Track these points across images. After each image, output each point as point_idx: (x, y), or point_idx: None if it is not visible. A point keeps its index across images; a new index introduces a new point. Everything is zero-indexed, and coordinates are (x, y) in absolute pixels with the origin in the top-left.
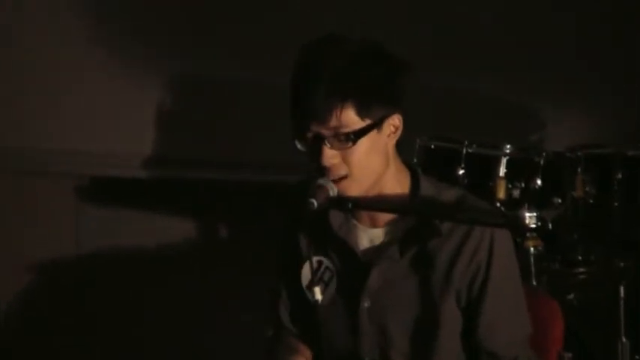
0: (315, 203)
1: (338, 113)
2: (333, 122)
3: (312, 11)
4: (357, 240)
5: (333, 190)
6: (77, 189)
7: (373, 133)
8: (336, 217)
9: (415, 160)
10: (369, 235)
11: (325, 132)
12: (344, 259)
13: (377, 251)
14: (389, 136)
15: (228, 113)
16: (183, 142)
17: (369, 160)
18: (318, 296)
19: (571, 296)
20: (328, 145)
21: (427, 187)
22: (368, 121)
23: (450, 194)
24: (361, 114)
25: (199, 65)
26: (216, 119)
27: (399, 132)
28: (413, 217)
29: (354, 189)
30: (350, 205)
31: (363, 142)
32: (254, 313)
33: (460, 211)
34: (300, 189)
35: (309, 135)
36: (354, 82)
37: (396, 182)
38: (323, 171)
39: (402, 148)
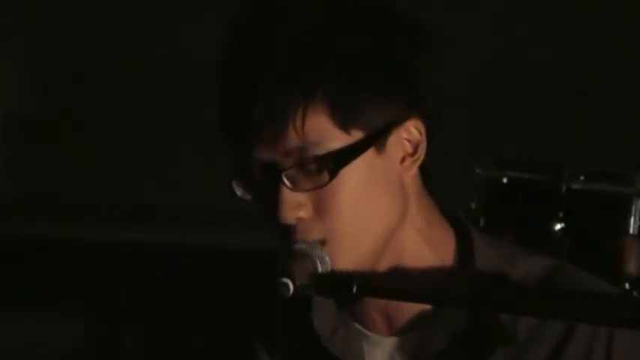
0: (291, 286)
1: (298, 119)
2: (292, 138)
3: None
4: (365, 358)
5: (324, 262)
6: None
7: (370, 156)
8: (324, 319)
9: (473, 206)
10: (385, 350)
11: (281, 158)
12: None
13: None
14: (403, 160)
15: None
16: (43, 182)
17: (362, 208)
18: None
19: None
20: (288, 183)
21: (488, 255)
22: (357, 134)
23: (530, 266)
24: (342, 120)
25: (74, 44)
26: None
27: (420, 152)
28: (463, 312)
29: (339, 262)
30: (354, 289)
31: (351, 174)
32: None
33: (551, 297)
34: (264, 262)
35: (255, 169)
36: (325, 59)
37: (424, 245)
38: (285, 231)
39: (448, 182)
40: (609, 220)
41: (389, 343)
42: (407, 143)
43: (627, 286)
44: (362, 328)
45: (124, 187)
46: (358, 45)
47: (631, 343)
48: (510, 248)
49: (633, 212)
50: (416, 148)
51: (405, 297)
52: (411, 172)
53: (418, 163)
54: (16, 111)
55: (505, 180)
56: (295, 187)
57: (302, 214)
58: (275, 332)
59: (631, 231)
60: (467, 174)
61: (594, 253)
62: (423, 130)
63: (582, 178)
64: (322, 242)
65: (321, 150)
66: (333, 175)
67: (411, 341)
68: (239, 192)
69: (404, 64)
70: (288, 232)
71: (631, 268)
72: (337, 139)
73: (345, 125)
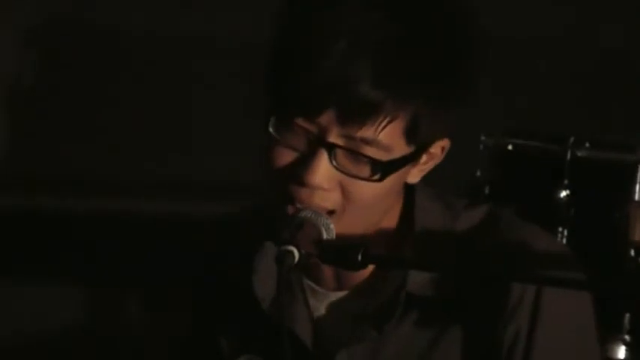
0: (297, 254)
1: (384, 122)
2: (366, 131)
3: None
4: (310, 315)
5: (329, 231)
6: None
7: (408, 166)
8: (266, 285)
9: (479, 174)
10: (331, 303)
11: (341, 141)
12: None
13: (341, 327)
14: (420, 165)
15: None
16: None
17: (380, 202)
18: None
19: None
20: (334, 161)
21: (428, 212)
22: (412, 148)
23: (470, 218)
24: (411, 136)
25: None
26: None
27: (430, 166)
28: (404, 274)
29: (341, 231)
30: (360, 258)
31: (389, 179)
32: None
33: (489, 255)
34: (252, 226)
35: (310, 128)
36: (431, 76)
37: (387, 212)
38: (293, 190)
39: (456, 150)
40: (614, 187)
41: (335, 297)
42: (426, 156)
43: (632, 253)
44: (313, 284)
45: (123, 160)
46: (448, 76)
47: (559, 292)
48: (454, 202)
49: (638, 179)
50: (430, 160)
51: (404, 266)
52: (415, 180)
53: (424, 173)
54: (17, 83)
55: (510, 147)
56: (337, 166)
57: (324, 185)
58: (231, 302)
59: (636, 198)
60: (472, 141)
61: (599, 221)
62: (446, 150)
63: (587, 145)
64: (330, 212)
65: (385, 154)
66: (384, 177)
67: (356, 297)
68: (271, 130)
69: (467, 93)
70: (296, 194)
71: (636, 235)
72: (400, 150)
73: (410, 140)
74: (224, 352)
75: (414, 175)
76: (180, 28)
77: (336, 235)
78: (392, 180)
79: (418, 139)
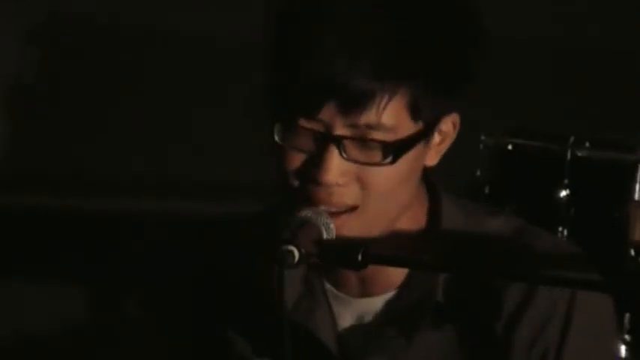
0: (297, 254)
1: (383, 102)
2: (367, 116)
3: None
4: (333, 321)
5: (329, 230)
6: None
7: (420, 145)
8: (287, 290)
9: (479, 174)
10: (356, 310)
11: (347, 131)
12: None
13: (366, 335)
14: (435, 146)
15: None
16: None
17: (400, 189)
18: None
19: None
20: (344, 153)
21: (453, 216)
22: (420, 125)
23: (496, 226)
24: (416, 112)
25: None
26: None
27: (446, 144)
28: (430, 278)
29: (362, 231)
30: (360, 258)
31: (403, 161)
32: None
33: (515, 259)
34: (254, 229)
35: (314, 127)
36: (422, 49)
37: (409, 211)
38: (310, 191)
39: (456, 150)
40: (614, 186)
41: (359, 303)
42: (442, 134)
43: (632, 252)
44: (334, 289)
45: (119, 158)
46: (441, 46)
47: (592, 304)
48: (475, 208)
49: (638, 179)
50: (445, 138)
51: (406, 265)
52: (434, 162)
53: (441, 153)
54: (17, 83)
55: (510, 147)
56: (348, 157)
57: (340, 180)
58: (242, 307)
59: (636, 197)
60: (472, 141)
61: (599, 220)
62: (458, 125)
63: (587, 145)
64: (353, 208)
65: (392, 135)
66: (396, 159)
67: (382, 304)
68: (277, 137)
69: (470, 66)
70: (314, 195)
71: (636, 234)
72: (407, 128)
73: (416, 117)
74: (228, 353)
75: (431, 157)
76: (181, 28)
77: (361, 235)
78: (407, 163)
79: (423, 115)
